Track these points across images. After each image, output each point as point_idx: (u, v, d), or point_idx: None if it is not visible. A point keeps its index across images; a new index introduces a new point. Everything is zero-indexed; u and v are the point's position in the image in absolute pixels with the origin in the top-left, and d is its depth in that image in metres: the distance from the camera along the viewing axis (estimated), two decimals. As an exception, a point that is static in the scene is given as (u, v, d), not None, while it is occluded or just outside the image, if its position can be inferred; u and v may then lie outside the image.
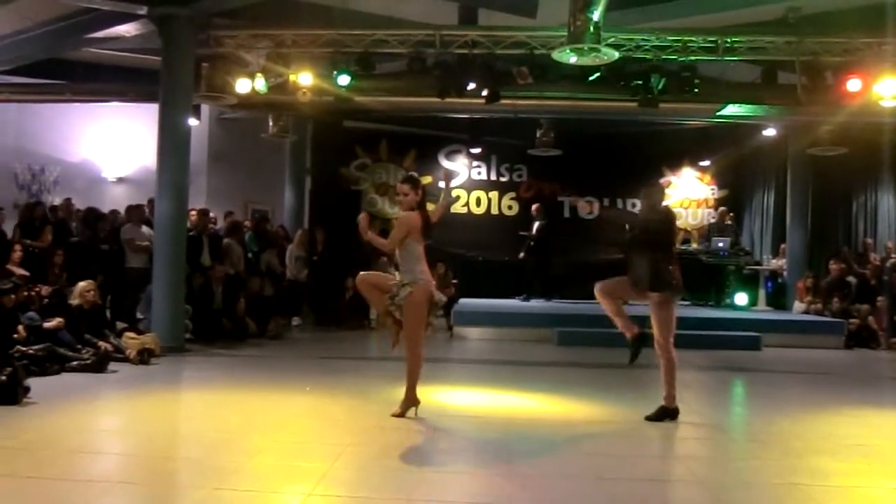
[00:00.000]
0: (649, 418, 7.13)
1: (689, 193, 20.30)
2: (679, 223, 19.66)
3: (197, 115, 14.19)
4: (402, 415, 6.96)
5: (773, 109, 13.99)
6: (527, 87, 12.09)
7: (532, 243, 16.29)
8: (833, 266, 15.52)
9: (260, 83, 11.94)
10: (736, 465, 6.02)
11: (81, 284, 9.95)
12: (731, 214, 18.40)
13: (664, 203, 7.77)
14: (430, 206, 7.37)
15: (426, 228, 7.05)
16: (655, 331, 7.21)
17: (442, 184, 7.98)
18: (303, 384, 8.65)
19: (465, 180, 19.93)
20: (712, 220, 18.78)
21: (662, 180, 19.43)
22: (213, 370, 9.98)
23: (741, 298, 16.39)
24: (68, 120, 15.68)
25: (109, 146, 16.26)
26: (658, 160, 19.91)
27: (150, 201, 12.37)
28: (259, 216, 16.39)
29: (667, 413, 7.17)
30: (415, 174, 8.04)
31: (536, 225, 16.58)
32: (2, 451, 5.59)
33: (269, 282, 13.82)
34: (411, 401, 7.03)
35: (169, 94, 11.18)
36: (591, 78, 11.80)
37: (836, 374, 11.25)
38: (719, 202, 20.04)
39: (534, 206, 17.54)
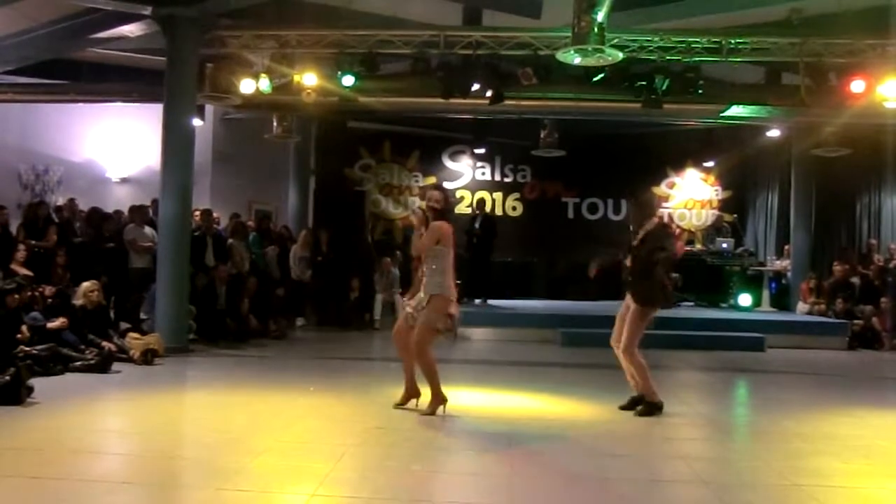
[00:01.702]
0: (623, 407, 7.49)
1: (693, 194, 20.31)
2: (683, 224, 19.75)
3: (201, 115, 14.19)
4: (432, 413, 7.13)
5: (777, 110, 13.98)
6: (531, 88, 12.09)
7: (475, 241, 16.06)
8: (837, 267, 15.49)
9: (264, 83, 11.95)
10: (739, 466, 6.01)
11: (85, 284, 9.97)
12: (735, 216, 18.39)
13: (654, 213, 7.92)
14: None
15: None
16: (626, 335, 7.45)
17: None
18: (306, 384, 8.65)
19: (469, 181, 19.96)
20: (710, 222, 18.95)
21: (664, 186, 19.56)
22: (216, 370, 9.99)
23: (745, 299, 16.38)
24: (72, 120, 15.70)
25: (113, 146, 16.28)
26: (662, 161, 19.96)
27: (154, 201, 12.39)
28: (262, 216, 16.42)
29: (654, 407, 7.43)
30: (440, 183, 8.00)
31: (477, 223, 16.45)
32: (5, 451, 5.61)
33: (272, 282, 13.84)
34: (439, 399, 7.20)
35: (173, 95, 11.20)
36: (595, 79, 11.78)
37: (839, 375, 11.23)
38: (723, 203, 20.08)
39: (475, 203, 17.68)
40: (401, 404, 7.39)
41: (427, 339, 7.14)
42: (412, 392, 7.39)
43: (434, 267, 7.08)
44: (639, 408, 7.44)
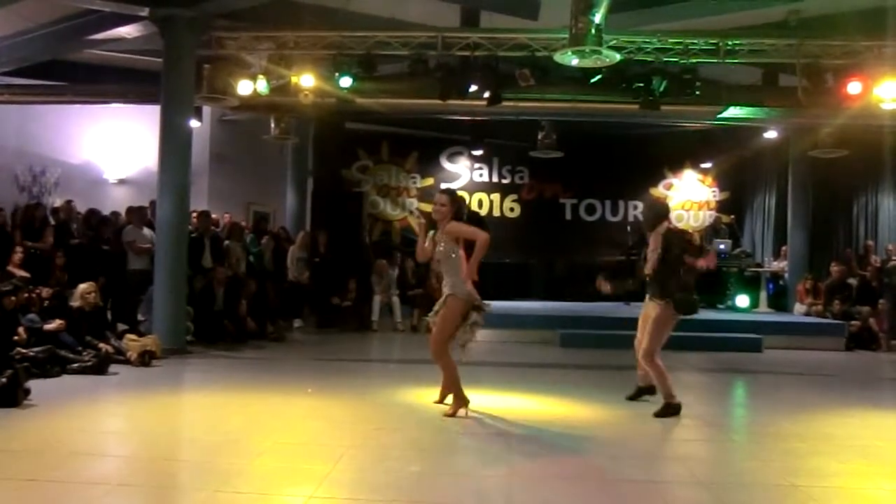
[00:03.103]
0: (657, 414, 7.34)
1: (690, 195, 20.32)
2: (681, 225, 19.74)
3: (198, 116, 14.18)
4: (453, 415, 7.11)
5: (774, 112, 13.99)
6: (528, 89, 12.09)
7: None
8: (834, 268, 15.51)
9: (262, 85, 11.93)
10: (737, 466, 6.03)
11: (82, 286, 9.94)
12: (732, 217, 18.43)
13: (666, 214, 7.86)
14: (426, 207, 7.39)
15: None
16: (647, 340, 7.43)
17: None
18: (304, 386, 8.64)
19: (466, 182, 19.95)
20: (707, 224, 19.03)
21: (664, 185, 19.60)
22: (214, 372, 9.97)
23: (742, 300, 16.40)
24: (69, 121, 15.68)
25: (111, 148, 16.26)
26: (660, 162, 19.98)
27: (153, 203, 12.38)
28: (259, 217, 16.42)
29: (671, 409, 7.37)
30: (452, 187, 7.89)
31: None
32: (2, 453, 5.60)
33: (270, 284, 13.82)
34: (461, 401, 7.18)
35: (170, 96, 11.19)
36: (592, 80, 11.80)
37: (836, 375, 11.24)
38: (721, 204, 20.09)
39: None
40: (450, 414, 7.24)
41: (443, 339, 7.10)
42: (461, 400, 7.27)
43: (447, 269, 7.08)
44: (655, 407, 7.46)
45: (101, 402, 7.98)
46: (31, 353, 8.47)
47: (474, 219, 15.95)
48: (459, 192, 17.49)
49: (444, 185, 18.32)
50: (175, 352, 10.61)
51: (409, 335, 14.27)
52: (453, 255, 7.05)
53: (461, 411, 7.13)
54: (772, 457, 6.11)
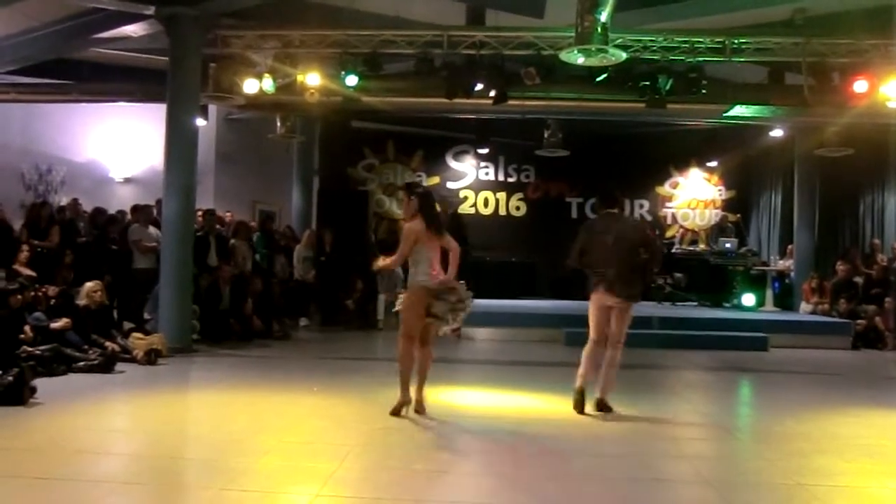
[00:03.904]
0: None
1: (696, 194, 20.31)
2: (686, 224, 19.76)
3: (204, 115, 14.17)
4: (396, 413, 7.05)
5: (780, 110, 13.97)
6: (534, 88, 12.06)
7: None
8: (840, 267, 15.48)
9: (267, 83, 11.93)
10: (742, 465, 6.02)
11: (88, 285, 9.97)
12: (738, 215, 18.40)
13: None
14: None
15: (436, 229, 7.11)
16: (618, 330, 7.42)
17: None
18: (310, 385, 8.66)
19: (472, 181, 19.97)
20: (713, 223, 19.03)
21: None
22: (220, 371, 9.99)
23: (748, 299, 16.36)
24: (75, 120, 15.71)
25: (116, 146, 16.30)
26: (665, 161, 19.98)
27: (158, 202, 12.40)
28: (265, 216, 16.43)
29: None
30: (412, 181, 7.93)
31: None
32: (8, 451, 5.62)
33: (277, 284, 13.83)
34: (403, 399, 7.13)
35: (176, 95, 11.20)
36: (598, 79, 11.78)
37: (842, 374, 11.22)
38: (726, 203, 20.08)
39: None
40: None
41: (402, 330, 7.14)
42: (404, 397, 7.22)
43: (412, 260, 7.21)
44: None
45: (107, 400, 7.99)
46: (38, 352, 8.48)
47: (455, 221, 15.97)
48: (465, 191, 17.30)
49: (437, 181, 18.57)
50: (181, 350, 10.62)
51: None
52: (420, 251, 7.16)
53: (403, 409, 7.07)
54: (777, 456, 6.10)
